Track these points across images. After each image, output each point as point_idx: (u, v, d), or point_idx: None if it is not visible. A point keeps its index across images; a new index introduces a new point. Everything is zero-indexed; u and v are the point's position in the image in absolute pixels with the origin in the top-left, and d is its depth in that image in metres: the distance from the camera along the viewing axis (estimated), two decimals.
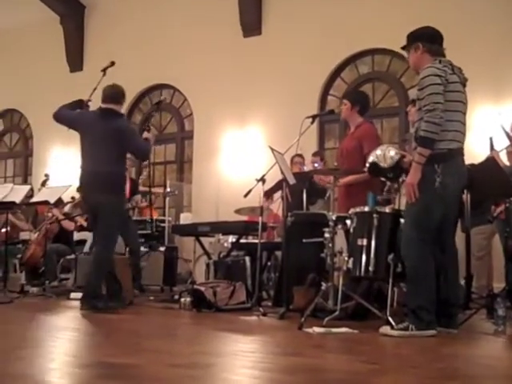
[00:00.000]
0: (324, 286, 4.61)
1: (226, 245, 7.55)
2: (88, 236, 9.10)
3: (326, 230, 4.75)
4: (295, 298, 5.30)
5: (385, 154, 4.53)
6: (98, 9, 12.27)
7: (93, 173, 5.82)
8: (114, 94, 5.91)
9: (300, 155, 7.49)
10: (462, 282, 4.98)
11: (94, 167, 5.82)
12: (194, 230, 7.23)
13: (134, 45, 11.54)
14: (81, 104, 6.15)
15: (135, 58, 11.41)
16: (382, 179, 5.09)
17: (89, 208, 6.19)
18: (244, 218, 7.80)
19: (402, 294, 4.62)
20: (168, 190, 9.38)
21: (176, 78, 11.17)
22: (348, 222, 4.68)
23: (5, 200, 7.31)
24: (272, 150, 5.50)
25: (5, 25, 12.99)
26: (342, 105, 5.79)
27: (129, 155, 6.29)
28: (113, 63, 6.34)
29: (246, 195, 5.89)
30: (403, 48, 4.50)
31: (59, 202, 8.53)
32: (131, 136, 5.96)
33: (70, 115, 6.04)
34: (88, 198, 6.00)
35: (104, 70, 6.34)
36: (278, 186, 6.47)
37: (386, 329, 4.09)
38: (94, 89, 6.15)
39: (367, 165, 4.68)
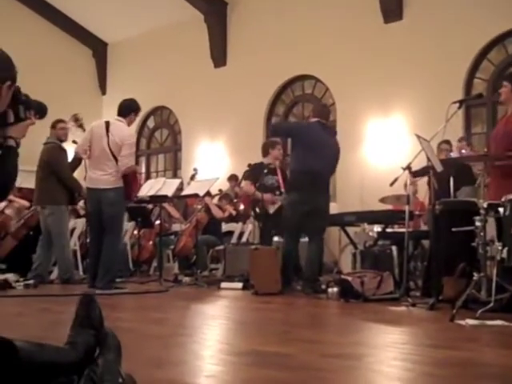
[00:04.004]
0: (476, 276, 4.47)
1: (371, 234, 7.49)
2: (236, 227, 9.37)
3: (477, 218, 4.59)
4: (445, 289, 5.16)
5: None
6: (239, 4, 12.52)
7: (323, 174, 6.63)
8: (328, 112, 7.19)
9: (447, 141, 7.27)
10: None
11: (325, 169, 6.68)
12: (340, 220, 7.24)
13: (275, 37, 11.69)
14: None
15: (276, 50, 11.56)
16: None
17: (306, 207, 6.50)
18: (389, 206, 7.70)
19: None
20: None
21: (317, 68, 11.17)
22: (501, 209, 4.50)
23: (158, 193, 7.69)
24: (418, 137, 5.39)
25: (153, 25, 13.59)
26: (501, 87, 5.50)
27: None
28: None
29: (392, 184, 5.78)
30: None
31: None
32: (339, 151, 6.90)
33: (295, 125, 7.24)
34: (312, 197, 6.49)
35: None
36: (425, 171, 6.33)
37: None
38: None
39: None
